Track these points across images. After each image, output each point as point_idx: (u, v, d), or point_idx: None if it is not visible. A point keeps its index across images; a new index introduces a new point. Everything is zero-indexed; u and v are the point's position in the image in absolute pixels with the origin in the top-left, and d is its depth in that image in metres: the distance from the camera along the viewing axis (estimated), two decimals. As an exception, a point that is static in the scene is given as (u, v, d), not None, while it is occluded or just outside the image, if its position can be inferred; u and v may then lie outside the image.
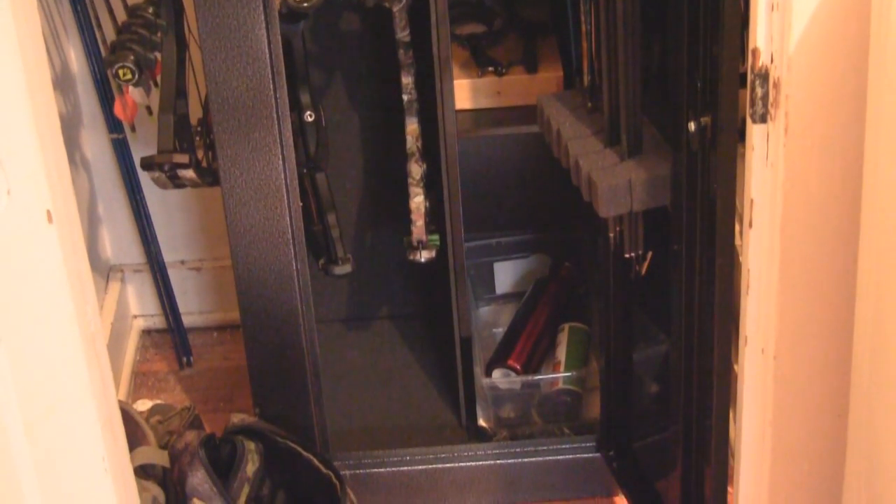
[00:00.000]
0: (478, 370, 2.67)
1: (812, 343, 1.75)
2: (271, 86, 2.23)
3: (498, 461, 2.67)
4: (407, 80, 2.49)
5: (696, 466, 2.20)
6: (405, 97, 2.51)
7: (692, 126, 1.94)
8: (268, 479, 2.42)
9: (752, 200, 1.71)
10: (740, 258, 1.83)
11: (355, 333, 3.04)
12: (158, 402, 2.69)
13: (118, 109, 2.50)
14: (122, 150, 2.96)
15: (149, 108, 2.68)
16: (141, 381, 3.14)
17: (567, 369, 2.72)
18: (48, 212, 1.51)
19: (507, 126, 2.59)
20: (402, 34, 2.44)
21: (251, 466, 2.37)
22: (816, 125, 1.61)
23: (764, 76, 1.62)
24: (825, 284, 1.71)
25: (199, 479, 2.31)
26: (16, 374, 1.51)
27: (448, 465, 2.67)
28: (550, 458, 2.67)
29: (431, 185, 2.56)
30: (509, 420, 2.72)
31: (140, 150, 2.90)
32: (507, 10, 2.74)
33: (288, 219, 2.34)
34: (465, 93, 2.55)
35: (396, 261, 2.79)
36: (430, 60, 2.37)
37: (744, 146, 1.73)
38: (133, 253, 3.17)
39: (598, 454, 2.66)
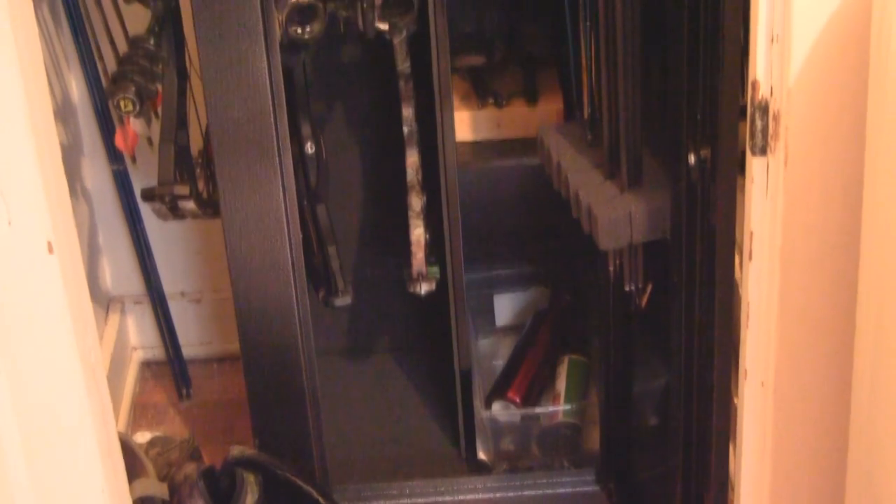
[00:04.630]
0: (477, 402, 2.67)
1: (812, 376, 1.75)
2: (272, 117, 2.23)
3: (497, 494, 2.66)
4: (407, 111, 2.50)
5: (696, 499, 2.20)
6: (405, 129, 2.52)
7: (692, 158, 1.94)
8: (267, 511, 2.42)
9: (751, 232, 1.72)
10: (740, 290, 1.83)
11: (355, 365, 3.04)
12: (158, 433, 2.69)
13: (119, 140, 2.51)
14: (122, 181, 2.96)
15: (149, 139, 2.69)
16: (140, 413, 3.13)
17: (567, 402, 2.71)
18: (49, 242, 1.51)
19: (507, 158, 2.59)
20: (403, 66, 2.45)
21: (251, 498, 2.37)
22: (816, 157, 1.62)
23: (764, 108, 1.63)
24: (825, 317, 1.71)
25: (197, 510, 2.31)
26: (16, 404, 1.51)
27: (447, 497, 2.66)
28: (550, 490, 2.67)
29: (431, 217, 2.56)
30: (509, 452, 2.72)
31: (140, 180, 2.91)
32: (508, 42, 2.75)
33: (288, 250, 2.34)
34: (465, 124, 2.56)
35: (396, 293, 2.79)
36: (431, 92, 2.38)
37: (743, 178, 1.73)
38: (133, 284, 3.17)
39: (597, 487, 2.65)
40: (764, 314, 1.74)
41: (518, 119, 2.59)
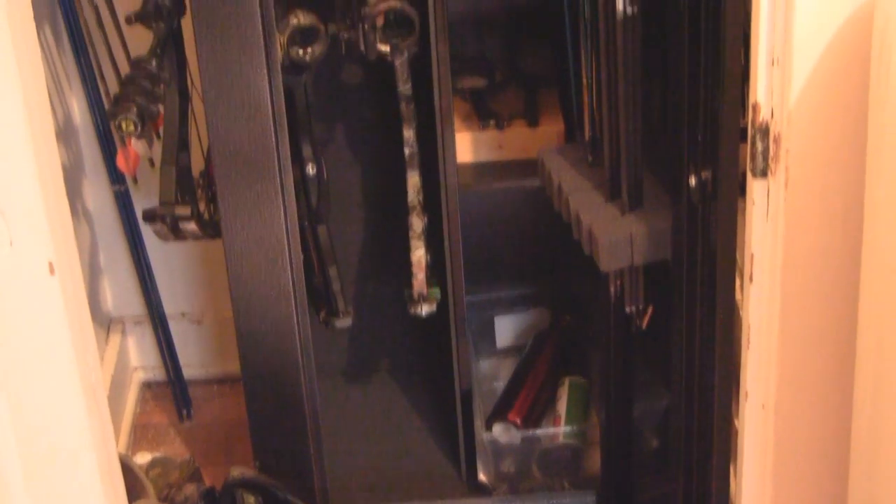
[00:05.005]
0: (478, 424, 2.66)
1: (813, 398, 1.75)
2: (273, 138, 2.24)
3: (498, 515, 2.66)
4: (408, 133, 2.50)
5: (697, 521, 2.20)
6: (406, 150, 2.52)
7: (693, 180, 1.95)
8: (267, 533, 2.41)
9: (752, 255, 1.72)
10: (741, 312, 1.83)
11: (355, 386, 3.04)
12: (158, 454, 2.69)
13: (120, 161, 2.51)
14: (123, 202, 2.97)
15: (151, 160, 2.69)
16: (141, 434, 3.13)
17: (567, 423, 2.71)
18: (50, 263, 1.52)
19: (508, 179, 2.59)
20: (404, 87, 2.45)
21: (250, 519, 2.37)
22: (817, 180, 1.62)
23: (764, 131, 1.63)
24: (826, 339, 1.71)
25: (197, 531, 2.31)
26: (16, 424, 1.51)
27: (448, 519, 2.66)
28: (551, 512, 2.67)
29: (432, 239, 2.56)
30: (509, 474, 2.71)
31: (142, 201, 2.91)
32: (509, 64, 2.75)
33: (289, 271, 2.34)
34: (466, 146, 2.56)
35: (397, 314, 2.79)
36: (432, 113, 2.38)
37: (744, 200, 1.73)
38: (134, 305, 3.17)
39: (598, 509, 2.65)
40: (765, 336, 1.74)
41: (519, 140, 2.59)
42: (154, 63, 2.33)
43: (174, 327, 3.16)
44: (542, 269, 3.01)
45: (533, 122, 2.61)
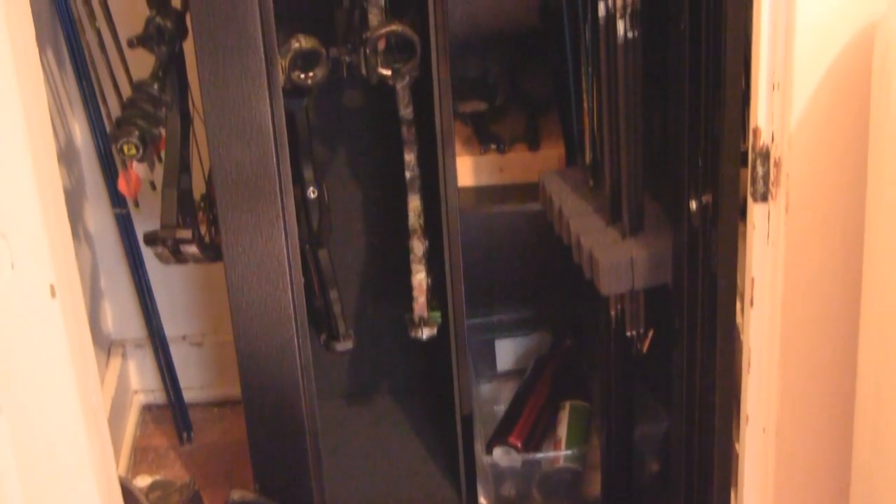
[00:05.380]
0: (478, 447, 2.66)
1: (813, 422, 1.75)
2: (275, 161, 2.24)
3: (498, 539, 2.66)
4: (409, 156, 2.50)
5: (698, 546, 2.19)
6: (407, 174, 2.52)
7: (693, 204, 1.95)
8: (267, 556, 2.41)
9: (752, 279, 1.72)
10: (741, 336, 1.83)
11: (356, 409, 3.03)
12: (158, 477, 2.68)
13: (122, 184, 2.51)
14: (125, 225, 2.97)
15: (152, 183, 2.69)
16: (141, 457, 3.13)
17: (568, 447, 2.71)
18: (51, 286, 1.52)
19: (509, 203, 2.59)
20: (405, 111, 2.46)
21: (250, 543, 2.37)
22: (817, 204, 1.62)
23: (765, 155, 1.63)
24: (826, 363, 1.71)
25: (197, 555, 2.30)
26: (16, 446, 1.51)
27: (448, 542, 2.66)
28: (551, 536, 2.66)
29: (433, 262, 2.56)
30: (510, 498, 2.71)
31: (143, 224, 2.91)
32: (510, 87, 2.76)
33: (290, 294, 2.34)
34: (467, 169, 2.56)
35: (398, 337, 2.79)
36: (433, 137, 2.38)
37: (745, 224, 1.73)
38: (134, 327, 3.17)
39: (598, 533, 2.65)
40: (765, 360, 1.75)
41: (520, 164, 2.59)
42: (156, 86, 2.34)
43: (175, 350, 3.16)
44: (543, 293, 3.01)
45: (534, 145, 2.61)
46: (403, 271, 2.57)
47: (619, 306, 2.29)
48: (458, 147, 2.49)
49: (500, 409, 2.89)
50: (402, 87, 2.41)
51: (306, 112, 2.47)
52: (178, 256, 2.40)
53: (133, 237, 2.98)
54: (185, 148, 2.41)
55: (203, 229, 2.43)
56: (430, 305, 2.58)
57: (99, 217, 3.04)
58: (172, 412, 3.19)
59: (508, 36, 2.78)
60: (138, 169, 2.43)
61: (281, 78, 2.22)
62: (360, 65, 2.33)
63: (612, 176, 2.19)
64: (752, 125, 1.66)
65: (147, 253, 2.87)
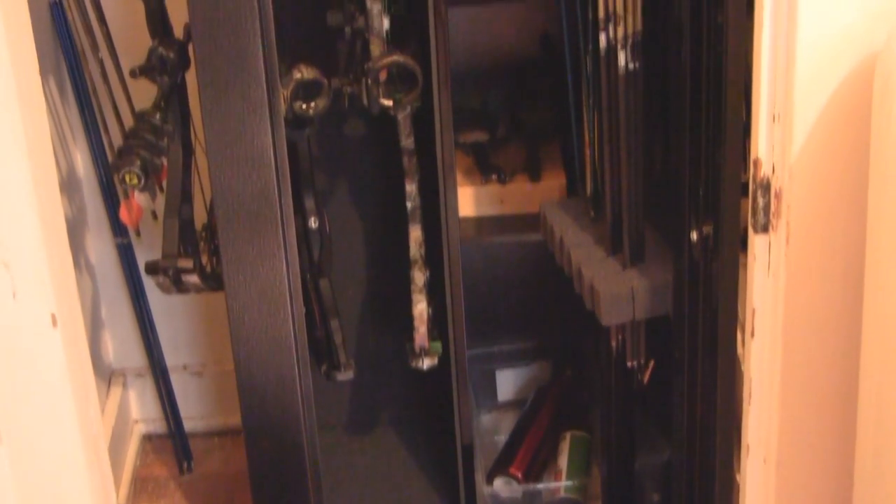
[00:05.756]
0: (479, 478, 2.66)
1: (814, 453, 1.75)
2: (276, 191, 2.24)
3: (499, 570, 2.65)
4: (410, 186, 2.51)
5: (699, 577, 2.19)
6: (409, 204, 2.53)
7: (694, 235, 1.95)
8: (267, 587, 2.40)
9: (753, 310, 1.72)
10: (742, 367, 1.83)
11: (357, 439, 3.03)
12: (158, 507, 2.68)
13: (123, 213, 2.52)
14: (126, 254, 2.97)
15: (154, 213, 2.70)
16: (141, 486, 3.12)
17: (568, 478, 2.70)
18: (53, 315, 1.52)
19: (510, 233, 2.60)
20: (407, 141, 2.46)
21: (250, 573, 2.36)
22: (818, 235, 1.62)
23: (766, 186, 1.64)
24: (827, 394, 1.71)
25: (197, 585, 2.30)
26: (17, 475, 1.51)
27: (449, 573, 2.65)
28: (552, 567, 2.66)
29: (434, 292, 2.56)
30: (510, 528, 2.71)
31: (144, 254, 2.92)
32: (511, 118, 2.76)
33: (291, 324, 2.34)
34: (468, 200, 2.57)
35: (398, 367, 2.78)
36: (434, 167, 2.39)
37: (745, 255, 1.73)
38: (135, 357, 3.17)
39: (599, 564, 2.64)
40: (766, 391, 1.74)
41: (521, 195, 2.59)
42: (158, 116, 2.34)
43: (175, 379, 3.15)
44: (544, 323, 3.01)
45: (535, 176, 2.61)
46: (404, 301, 2.57)
47: (619, 337, 2.29)
48: (459, 177, 2.49)
49: (501, 439, 2.89)
50: (403, 117, 2.42)
51: (308, 142, 2.48)
52: (179, 286, 2.40)
53: (134, 266, 2.98)
54: (186, 178, 2.41)
55: (204, 259, 2.44)
56: (431, 335, 2.58)
57: (100, 246, 3.04)
58: (173, 442, 3.18)
59: (509, 67, 2.79)
60: (140, 198, 2.44)
61: (283, 108, 2.22)
62: (362, 95, 2.33)
63: (612, 207, 2.19)
64: (752, 156, 1.66)
65: (148, 282, 2.87)
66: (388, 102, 2.35)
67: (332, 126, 2.72)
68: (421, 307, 2.55)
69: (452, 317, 2.51)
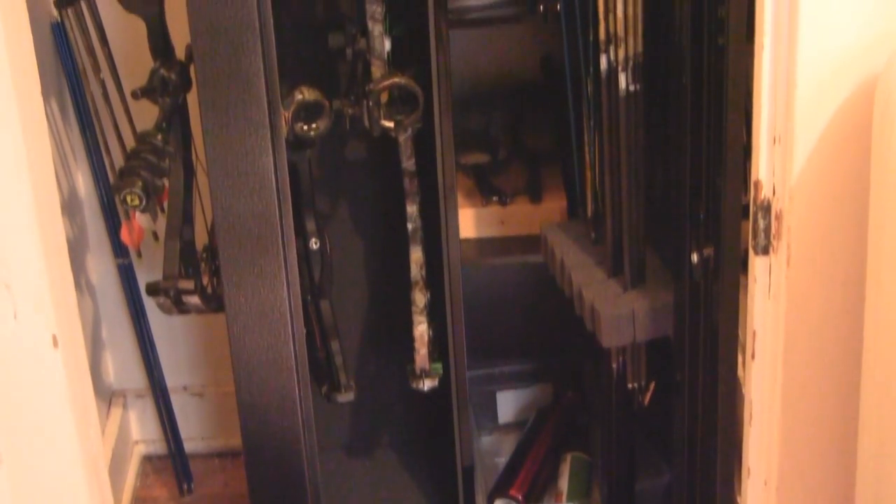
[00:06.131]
0: (479, 500, 2.65)
1: (815, 475, 1.75)
2: (277, 213, 2.24)
3: (499, 592, 2.65)
4: (411, 208, 2.51)
5: None
6: (409, 225, 2.53)
7: (695, 257, 1.95)
8: None
9: (754, 331, 1.72)
10: (742, 389, 1.83)
11: (357, 460, 3.03)
12: (158, 528, 2.68)
13: (125, 234, 2.52)
14: (127, 275, 2.97)
15: (155, 234, 2.70)
16: (141, 508, 3.12)
17: (569, 499, 2.70)
18: (54, 336, 1.52)
19: (510, 255, 2.60)
20: (408, 163, 2.47)
21: None
22: (818, 257, 1.62)
23: (766, 208, 1.64)
24: (828, 416, 1.71)
25: None
26: (17, 496, 1.51)
27: None
28: (552, 589, 2.65)
29: (435, 314, 2.56)
30: (511, 550, 2.70)
31: (145, 274, 2.92)
32: (512, 140, 2.77)
33: (291, 346, 2.34)
34: (469, 222, 2.57)
35: (399, 389, 2.78)
36: (435, 189, 2.39)
37: (746, 277, 1.74)
38: (136, 378, 3.17)
39: (600, 586, 2.64)
40: (767, 413, 1.74)
41: (522, 216, 2.60)
42: (159, 137, 2.34)
43: (175, 400, 3.15)
44: (545, 345, 3.01)
45: (536, 198, 2.62)
46: (405, 323, 2.57)
47: (620, 359, 2.29)
48: (460, 199, 2.50)
49: (502, 461, 2.88)
50: (404, 139, 2.42)
51: (309, 163, 2.48)
52: (180, 307, 2.40)
53: (135, 287, 2.98)
54: (187, 199, 2.41)
55: (205, 280, 2.44)
56: (432, 357, 2.58)
57: (101, 267, 3.04)
58: (173, 463, 3.18)
59: (511, 88, 2.79)
60: (141, 219, 2.44)
61: (284, 130, 2.22)
62: (363, 117, 2.34)
63: (613, 229, 2.19)
64: (753, 178, 1.66)
65: (149, 303, 2.87)
66: (390, 124, 2.36)
67: (333, 147, 2.72)
68: (422, 328, 2.55)
69: (453, 338, 2.51)
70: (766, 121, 1.62)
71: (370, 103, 2.32)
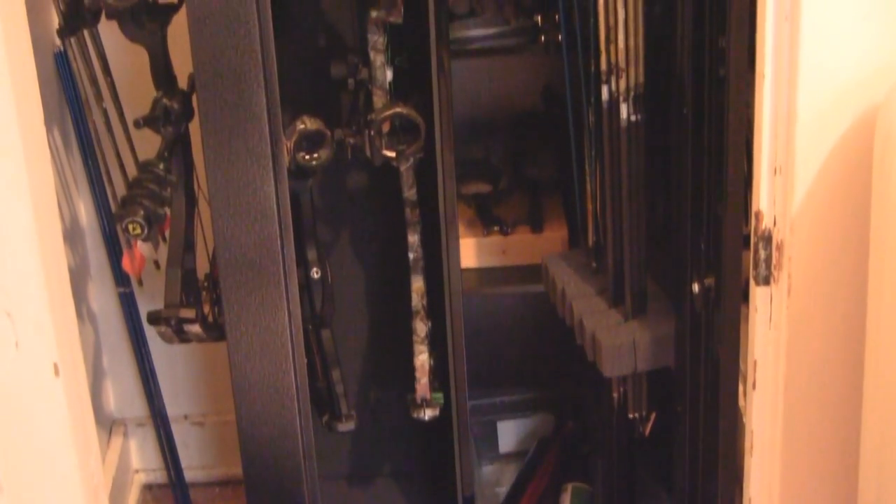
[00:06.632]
0: (480, 529, 2.65)
1: (816, 506, 1.75)
2: (279, 242, 2.24)
3: None
4: (413, 238, 2.51)
5: None
6: (411, 255, 2.53)
7: (696, 287, 1.95)
8: None
9: (755, 361, 1.72)
10: (744, 419, 1.83)
11: (358, 490, 3.02)
12: (158, 558, 2.67)
13: (126, 263, 2.52)
14: (128, 304, 2.97)
15: (156, 262, 2.70)
16: (141, 536, 3.12)
17: (570, 529, 2.70)
18: (55, 365, 1.52)
19: (511, 285, 2.60)
20: (409, 192, 2.47)
21: None
22: (819, 287, 1.62)
23: (767, 239, 1.64)
24: (829, 446, 1.71)
25: None
26: (17, 526, 1.51)
27: None
28: None
29: (436, 343, 2.56)
30: (511, 581, 2.70)
31: (146, 303, 2.92)
32: (513, 170, 2.77)
33: (292, 375, 2.34)
34: (470, 251, 2.57)
35: (400, 418, 2.78)
36: (437, 219, 2.39)
37: (747, 307, 1.74)
38: (136, 406, 3.17)
39: None
40: (768, 443, 1.74)
41: (523, 246, 2.60)
42: (161, 166, 2.35)
43: (176, 429, 3.15)
44: (546, 375, 3.01)
45: (537, 227, 2.62)
46: (406, 352, 2.57)
47: (621, 389, 2.29)
48: (461, 229, 2.50)
49: (502, 490, 2.88)
50: (406, 168, 2.43)
51: (310, 193, 2.48)
52: (181, 336, 2.40)
53: (136, 316, 2.98)
54: (189, 228, 2.41)
55: (206, 309, 2.44)
56: (433, 386, 2.58)
57: (103, 295, 3.04)
58: (173, 492, 3.17)
59: (512, 118, 2.80)
60: (143, 248, 2.44)
61: (286, 159, 2.23)
62: (365, 146, 2.34)
63: (614, 258, 2.20)
64: (754, 209, 1.67)
65: (150, 332, 2.87)
66: (391, 154, 2.36)
67: (334, 177, 2.72)
68: (423, 358, 2.55)
69: (454, 368, 2.51)
70: (767, 151, 1.62)
71: (372, 133, 2.32)
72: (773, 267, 1.65)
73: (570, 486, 2.80)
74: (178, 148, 2.38)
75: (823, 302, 1.63)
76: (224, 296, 2.28)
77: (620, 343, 2.13)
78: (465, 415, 2.55)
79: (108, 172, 2.83)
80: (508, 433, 3.03)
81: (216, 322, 2.42)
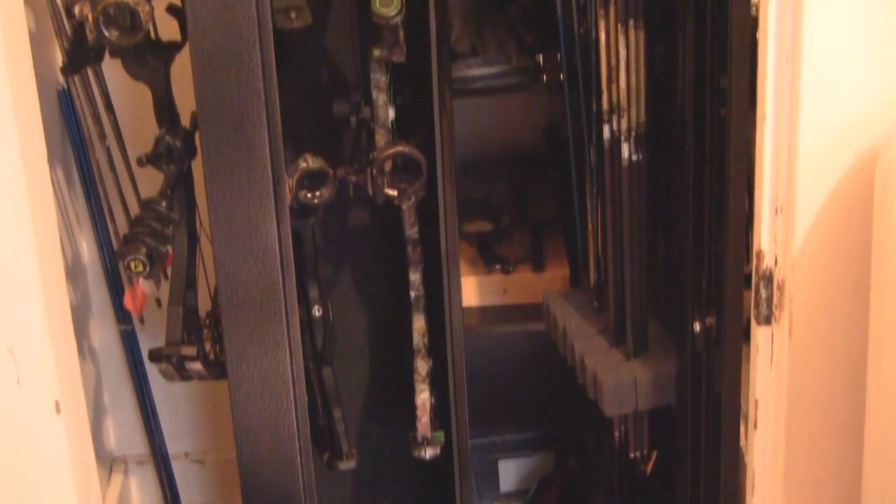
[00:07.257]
0: (481, 569, 2.65)
1: (818, 545, 1.74)
2: (280, 280, 2.24)
3: None
4: (414, 276, 2.51)
5: None
6: (412, 293, 2.53)
7: (697, 326, 1.95)
8: None
9: (756, 401, 1.72)
10: (745, 458, 1.83)
11: (358, 529, 3.02)
12: None
13: (128, 300, 2.52)
14: (129, 341, 2.97)
15: (158, 300, 2.70)
16: (140, 575, 3.11)
17: (571, 569, 2.69)
18: (56, 402, 1.52)
19: (513, 323, 2.60)
20: (411, 231, 2.47)
21: None
22: (820, 327, 1.62)
23: (768, 278, 1.64)
24: (830, 486, 1.70)
25: None
26: (17, 565, 1.51)
27: None
28: None
29: (437, 382, 2.56)
30: None
31: (147, 341, 2.92)
32: (515, 208, 2.78)
33: (293, 413, 2.34)
34: (472, 290, 2.57)
35: (401, 457, 2.77)
36: (438, 257, 2.39)
37: (748, 346, 1.74)
38: (137, 444, 3.16)
39: None
40: (769, 482, 1.74)
41: (524, 285, 2.60)
42: (164, 204, 2.35)
43: (177, 467, 3.14)
44: (547, 413, 3.01)
45: (538, 266, 2.62)
46: (407, 390, 2.57)
47: (622, 427, 2.29)
48: (463, 267, 2.50)
49: (503, 530, 2.88)
50: (408, 207, 2.43)
51: (312, 231, 2.48)
52: (182, 373, 2.40)
53: (138, 353, 2.98)
54: (191, 265, 2.42)
55: (208, 347, 2.44)
56: (434, 425, 2.57)
57: (104, 333, 3.04)
58: (173, 530, 3.17)
59: (514, 157, 2.81)
60: (144, 285, 2.44)
61: (288, 197, 2.23)
62: (367, 185, 2.34)
63: (616, 297, 2.20)
64: (755, 248, 1.67)
65: (151, 369, 2.87)
66: (393, 192, 2.36)
67: (336, 215, 2.72)
68: (424, 396, 2.55)
69: (455, 406, 2.50)
70: (768, 191, 1.62)
71: (374, 171, 2.33)
72: (774, 306, 1.65)
73: (571, 526, 2.79)
74: (180, 186, 2.39)
75: (825, 342, 1.63)
76: (225, 333, 2.28)
77: (621, 382, 2.13)
78: (466, 453, 2.55)
79: (110, 210, 2.83)
80: (509, 472, 3.03)
81: (217, 360, 2.42)
